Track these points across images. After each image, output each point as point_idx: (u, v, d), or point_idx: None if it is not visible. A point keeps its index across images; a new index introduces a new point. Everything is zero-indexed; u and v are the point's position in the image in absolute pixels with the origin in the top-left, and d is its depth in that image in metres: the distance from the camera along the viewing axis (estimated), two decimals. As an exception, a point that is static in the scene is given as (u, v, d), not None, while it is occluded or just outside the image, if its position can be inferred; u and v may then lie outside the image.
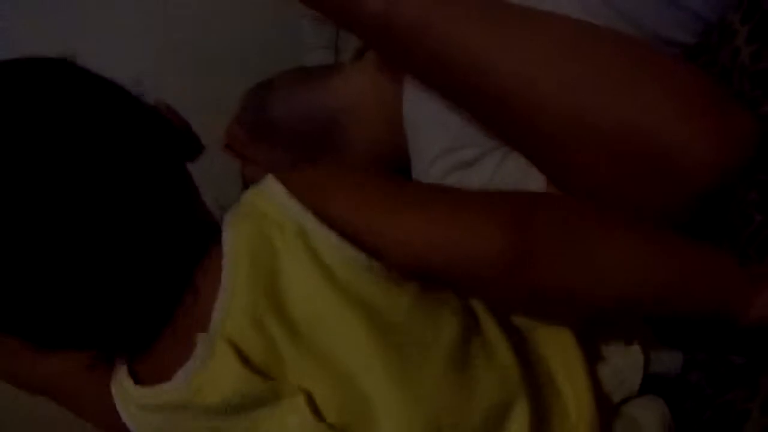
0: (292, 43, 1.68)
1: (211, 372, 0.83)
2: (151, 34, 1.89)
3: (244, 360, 0.82)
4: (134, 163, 0.85)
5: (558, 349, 0.93)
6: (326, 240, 0.82)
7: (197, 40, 1.88)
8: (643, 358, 0.96)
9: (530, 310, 0.94)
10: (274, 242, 0.83)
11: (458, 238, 0.83)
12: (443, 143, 1.08)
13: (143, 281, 0.85)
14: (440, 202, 0.87)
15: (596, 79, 0.87)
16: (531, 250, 0.82)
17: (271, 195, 0.85)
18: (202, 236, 0.88)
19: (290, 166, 1.21)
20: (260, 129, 1.31)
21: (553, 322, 0.95)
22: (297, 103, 1.29)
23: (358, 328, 0.82)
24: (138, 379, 0.91)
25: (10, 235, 0.79)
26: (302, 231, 0.83)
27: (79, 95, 0.85)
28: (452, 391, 0.84)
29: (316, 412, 0.82)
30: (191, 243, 0.87)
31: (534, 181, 0.99)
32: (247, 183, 1.34)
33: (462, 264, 0.83)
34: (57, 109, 0.82)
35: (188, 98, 1.78)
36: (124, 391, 0.92)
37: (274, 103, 1.31)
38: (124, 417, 0.93)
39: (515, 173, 1.01)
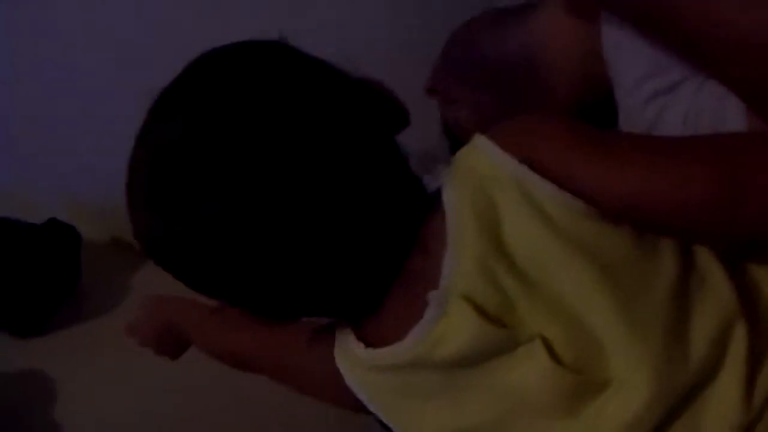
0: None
1: (447, 326, 0.87)
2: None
3: (480, 312, 0.85)
4: (352, 134, 0.91)
5: None
6: (543, 189, 0.85)
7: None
8: None
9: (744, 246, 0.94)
10: (493, 196, 0.87)
11: (670, 183, 0.84)
12: (643, 69, 1.08)
13: (371, 247, 0.91)
14: (649, 148, 0.89)
15: None
16: (744, 191, 0.82)
17: (484, 152, 0.89)
18: (419, 198, 0.94)
19: (495, 107, 1.29)
20: (465, 70, 1.34)
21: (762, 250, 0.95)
22: (499, 42, 1.31)
23: (583, 270, 0.84)
24: (367, 343, 0.96)
25: (244, 210, 0.85)
26: (519, 183, 0.86)
27: (296, 75, 0.91)
28: (675, 324, 0.86)
29: (552, 356, 0.85)
30: (411, 206, 0.93)
31: (731, 107, 0.97)
32: (449, 126, 1.38)
33: (675, 209, 0.85)
34: (279, 89, 0.89)
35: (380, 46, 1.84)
36: (351, 356, 0.98)
37: (478, 44, 1.33)
38: (350, 381, 0.98)
39: (712, 99, 1.00)
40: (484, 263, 0.86)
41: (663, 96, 1.06)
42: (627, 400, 0.85)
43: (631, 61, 1.10)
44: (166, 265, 0.92)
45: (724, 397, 0.86)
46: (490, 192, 0.87)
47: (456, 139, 1.36)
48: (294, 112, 0.88)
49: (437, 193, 0.91)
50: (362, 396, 0.98)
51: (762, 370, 0.87)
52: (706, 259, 0.90)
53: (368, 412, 1.00)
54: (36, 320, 2.18)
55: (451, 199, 0.88)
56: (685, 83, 1.03)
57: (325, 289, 0.93)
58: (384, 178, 0.93)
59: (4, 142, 2.27)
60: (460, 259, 0.86)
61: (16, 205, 2.23)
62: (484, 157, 0.89)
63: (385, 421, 0.98)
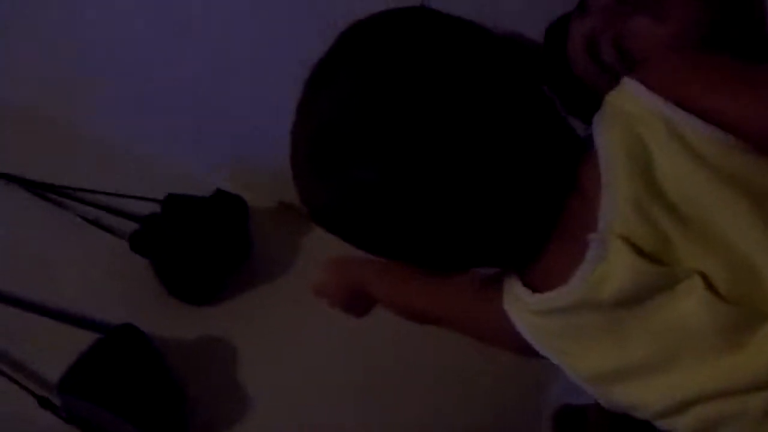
0: None
1: (607, 267, 0.90)
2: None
3: (638, 251, 0.87)
4: (502, 88, 0.94)
5: None
6: (692, 127, 0.87)
7: None
8: None
9: None
10: (643, 137, 0.89)
11: None
12: None
13: (529, 193, 0.95)
14: None
15: None
16: None
17: (633, 94, 0.92)
18: (572, 144, 0.98)
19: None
20: None
21: None
22: None
23: (738, 204, 0.86)
24: (534, 288, 0.99)
25: (403, 172, 0.90)
26: (668, 122, 0.88)
27: (444, 37, 0.95)
28: None
29: (712, 289, 0.86)
30: (564, 151, 0.96)
31: None
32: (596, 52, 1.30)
33: None
34: (429, 53, 0.93)
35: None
36: (519, 302, 1.01)
37: None
38: (520, 326, 1.02)
39: None
40: (638, 203, 0.88)
41: None
42: None
43: None
44: (333, 229, 0.98)
45: None
46: (639, 132, 0.90)
47: (566, 93, 1.33)
48: (446, 75, 0.92)
49: (589, 137, 0.93)
50: (532, 340, 1.01)
51: None
52: None
53: (539, 356, 1.02)
54: (210, 289, 2.25)
55: (603, 141, 0.92)
56: None
57: (488, 238, 0.97)
58: (536, 127, 0.96)
59: (168, 121, 2.33)
60: (616, 200, 0.89)
61: (184, 180, 2.28)
62: (632, 97, 0.92)
63: (554, 361, 1.01)
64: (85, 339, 1.99)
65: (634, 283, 0.89)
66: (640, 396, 0.94)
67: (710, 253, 0.87)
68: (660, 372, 0.92)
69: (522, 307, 1.00)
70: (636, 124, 0.90)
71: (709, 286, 0.86)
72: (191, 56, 2.21)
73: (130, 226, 2.22)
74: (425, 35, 0.95)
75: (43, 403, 1.91)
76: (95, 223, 2.26)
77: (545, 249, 0.97)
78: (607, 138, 0.91)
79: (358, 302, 1.22)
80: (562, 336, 0.98)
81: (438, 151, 0.90)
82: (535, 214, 0.95)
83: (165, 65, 2.25)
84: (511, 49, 0.98)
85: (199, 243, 2.20)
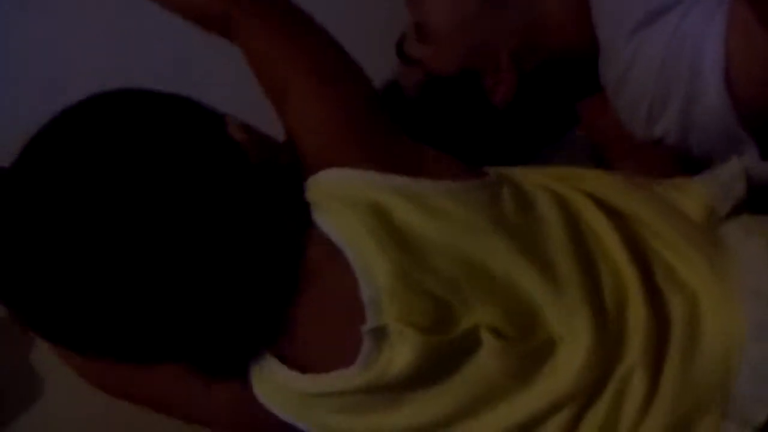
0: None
1: (391, 350, 0.88)
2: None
3: (418, 327, 0.87)
4: (217, 170, 0.90)
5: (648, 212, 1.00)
6: (420, 186, 0.90)
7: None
8: (742, 167, 1.01)
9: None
10: (377, 206, 0.88)
11: None
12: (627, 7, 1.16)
13: (252, 282, 0.92)
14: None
15: None
16: None
17: (339, 178, 0.91)
18: (294, 224, 0.93)
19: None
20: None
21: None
22: None
23: (495, 243, 0.88)
24: (301, 369, 0.95)
25: (127, 266, 0.86)
26: (392, 187, 0.89)
27: (152, 120, 0.91)
28: (587, 272, 0.91)
29: (498, 335, 0.88)
30: (285, 235, 0.92)
31: (712, 36, 1.06)
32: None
33: None
34: (137, 139, 0.88)
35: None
36: (278, 385, 0.97)
37: None
38: (278, 410, 0.99)
39: (696, 27, 1.09)
40: (402, 273, 0.87)
41: (643, 29, 1.11)
42: (572, 349, 0.90)
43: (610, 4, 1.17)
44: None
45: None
46: (370, 204, 0.89)
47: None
48: (156, 155, 0.88)
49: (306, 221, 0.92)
50: (300, 422, 1.00)
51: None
52: (592, 215, 0.94)
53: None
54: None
55: (332, 225, 0.90)
56: (671, 11, 1.10)
57: (215, 325, 0.93)
58: (251, 211, 0.92)
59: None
60: (376, 276, 0.87)
61: None
62: (341, 181, 0.91)
63: None
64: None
65: (422, 359, 0.88)
66: None
67: (487, 301, 0.88)
68: (470, 418, 0.93)
69: (278, 390, 0.97)
70: (358, 198, 0.89)
71: (495, 332, 0.88)
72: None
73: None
74: (133, 121, 0.91)
75: None
76: None
77: (300, 327, 0.94)
78: (334, 219, 0.90)
79: None
80: (342, 413, 0.97)
81: (154, 241, 0.87)
82: (254, 306, 0.93)
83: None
84: (220, 128, 0.95)
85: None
